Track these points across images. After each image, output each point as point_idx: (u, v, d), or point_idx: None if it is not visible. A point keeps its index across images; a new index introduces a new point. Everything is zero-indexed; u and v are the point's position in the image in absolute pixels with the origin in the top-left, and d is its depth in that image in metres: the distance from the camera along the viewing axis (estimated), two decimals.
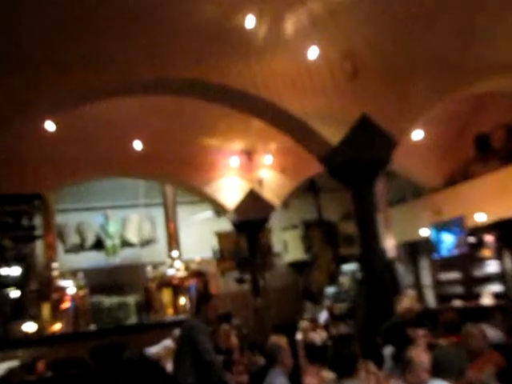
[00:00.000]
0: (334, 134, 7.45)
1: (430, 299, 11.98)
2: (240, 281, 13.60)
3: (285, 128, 7.91)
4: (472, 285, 10.82)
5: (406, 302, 6.73)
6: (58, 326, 11.85)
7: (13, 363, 7.55)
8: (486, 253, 10.68)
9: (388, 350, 5.32)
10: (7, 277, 7.53)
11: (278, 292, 14.76)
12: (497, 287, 10.19)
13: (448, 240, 11.13)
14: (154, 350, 9.37)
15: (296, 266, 15.31)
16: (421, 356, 3.43)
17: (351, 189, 7.79)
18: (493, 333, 5.98)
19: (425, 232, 11.85)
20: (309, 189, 14.80)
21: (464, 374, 2.97)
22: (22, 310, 8.82)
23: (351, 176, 7.65)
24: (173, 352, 8.90)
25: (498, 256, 10.21)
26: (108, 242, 13.61)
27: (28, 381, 7.56)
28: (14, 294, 9.31)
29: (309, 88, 7.30)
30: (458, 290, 11.24)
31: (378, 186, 11.53)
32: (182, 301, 12.78)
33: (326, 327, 9.85)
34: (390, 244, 11.47)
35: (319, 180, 13.84)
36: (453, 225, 10.95)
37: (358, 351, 4.23)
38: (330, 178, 8.20)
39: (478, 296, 10.32)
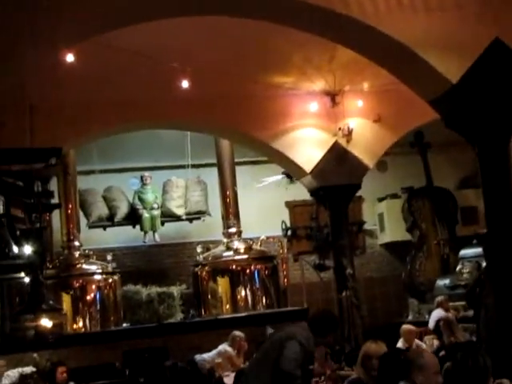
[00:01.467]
0: (452, 69, 7.29)
1: None
2: (320, 268, 13.64)
3: (383, 60, 7.80)
4: None
5: None
6: (81, 323, 12.34)
7: (25, 369, 7.92)
8: None
9: None
10: (16, 258, 7.86)
11: (371, 284, 14.76)
12: None
13: None
14: (206, 357, 9.62)
15: (396, 249, 15.22)
16: None
17: (475, 144, 7.64)
18: None
19: None
20: (414, 145, 14.61)
21: None
22: (35, 301, 9.19)
23: (475, 126, 7.49)
24: (230, 359, 9.18)
25: None
26: (145, 215, 13.88)
27: None
28: (26, 280, 9.70)
29: (420, 5, 7.13)
30: None
31: None
32: (243, 293, 13.00)
33: (436, 333, 9.79)
34: None
35: (429, 133, 13.65)
36: None
37: (487, 365, 4.18)
38: (444, 130, 8.06)
39: None
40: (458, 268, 12.91)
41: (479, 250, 11.65)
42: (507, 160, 7.73)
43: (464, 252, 13.02)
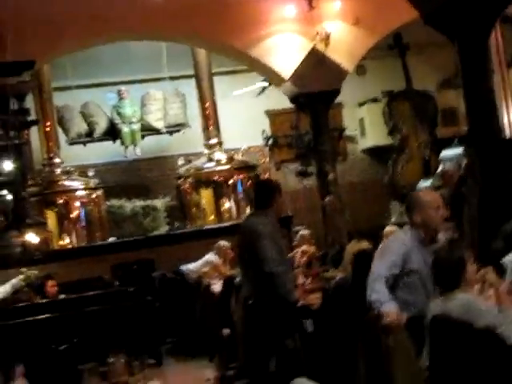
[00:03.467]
0: None
1: None
2: (303, 174, 13.69)
3: None
4: None
5: None
6: (67, 240, 12.39)
7: (14, 282, 7.98)
8: None
9: (510, 257, 5.32)
10: None
11: (353, 188, 14.85)
12: None
13: None
14: (192, 267, 9.73)
15: (377, 154, 15.25)
16: None
17: (455, 43, 7.53)
18: None
19: None
20: (393, 46, 14.43)
21: None
22: (19, 217, 9.18)
23: (455, 23, 7.37)
24: (217, 268, 9.30)
25: None
26: (124, 129, 13.77)
27: (39, 304, 8.00)
28: (8, 198, 9.66)
29: None
30: None
31: (493, 37, 11.18)
32: (227, 204, 13.05)
33: None
34: (510, 118, 11.21)
35: (408, 34, 13.44)
36: None
37: (466, 257, 4.24)
38: (423, 29, 7.94)
39: None
40: (439, 169, 12.98)
41: (460, 150, 11.72)
42: (487, 58, 7.66)
43: (445, 153, 13.05)
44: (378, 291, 4.40)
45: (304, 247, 9.08)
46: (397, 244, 4.67)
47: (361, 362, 4.24)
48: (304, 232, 10.08)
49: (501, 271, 5.25)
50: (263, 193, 5.68)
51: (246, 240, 5.53)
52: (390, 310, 4.28)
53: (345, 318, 4.59)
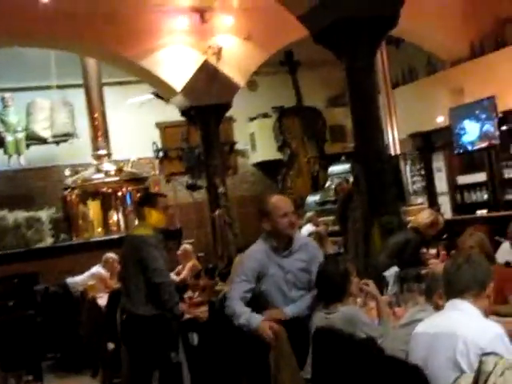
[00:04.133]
0: None
1: (446, 209, 12.30)
2: (192, 188, 13.65)
3: None
4: (502, 190, 11.12)
5: (426, 215, 6.86)
6: None
7: None
8: None
9: (392, 271, 5.48)
10: None
11: (243, 202, 14.93)
12: None
13: (472, 130, 11.27)
14: (78, 280, 9.51)
15: (267, 168, 15.40)
16: None
17: (343, 60, 7.73)
18: None
19: (441, 119, 11.97)
20: (284, 63, 14.67)
21: (485, 288, 3.11)
22: None
23: (344, 41, 7.56)
24: (104, 281, 9.13)
25: None
26: (8, 138, 13.35)
27: None
28: None
29: None
30: (483, 196, 11.56)
31: (379, 57, 11.55)
32: (115, 216, 12.84)
33: None
34: (394, 136, 11.58)
35: (298, 51, 13.70)
36: (479, 109, 11.06)
37: (349, 270, 4.34)
38: (313, 47, 8.10)
39: (509, 204, 10.64)
40: (327, 184, 13.27)
41: (347, 166, 12.02)
42: (372, 77, 7.90)
43: (333, 168, 13.38)
44: (239, 313, 4.40)
45: (191, 263, 9.10)
46: (248, 261, 4.63)
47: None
48: (187, 246, 10.06)
49: (383, 284, 5.41)
50: (140, 203, 5.74)
51: (132, 251, 5.44)
52: (257, 323, 4.30)
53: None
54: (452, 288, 3.17)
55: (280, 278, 4.52)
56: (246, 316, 4.36)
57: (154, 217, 5.40)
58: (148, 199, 5.63)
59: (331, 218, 11.49)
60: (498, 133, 10.82)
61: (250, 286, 4.55)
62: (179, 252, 9.84)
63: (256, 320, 4.32)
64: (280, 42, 11.96)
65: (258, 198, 15.28)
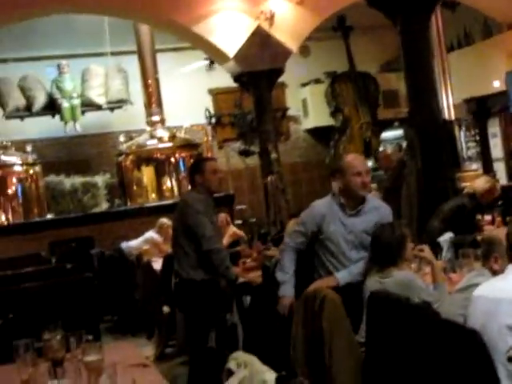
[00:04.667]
0: None
1: (502, 175, 12.10)
2: (245, 153, 13.66)
3: None
4: None
5: (483, 182, 6.76)
6: (3, 217, 12.14)
7: None
8: None
9: (447, 237, 5.44)
10: None
11: (295, 168, 14.94)
12: None
13: None
14: (132, 244, 9.65)
15: (320, 134, 15.34)
16: (504, 237, 3.52)
17: (397, 25, 7.63)
18: None
19: (497, 84, 11.75)
20: (336, 28, 14.51)
21: None
22: None
23: (397, 6, 7.47)
24: (157, 246, 9.25)
25: None
26: (64, 104, 13.51)
27: None
28: None
29: None
30: None
31: (434, 21, 11.34)
32: (168, 182, 12.96)
33: None
34: (449, 101, 11.41)
35: (351, 15, 13.53)
36: None
37: (405, 234, 4.31)
38: (366, 12, 8.00)
39: None
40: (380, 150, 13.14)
41: (400, 132, 11.90)
42: (427, 41, 7.79)
43: (385, 134, 13.25)
44: (282, 267, 4.60)
45: (231, 230, 9.09)
46: (310, 213, 4.68)
47: (298, 338, 4.27)
48: (222, 214, 9.72)
49: (437, 249, 5.38)
50: (190, 171, 5.73)
51: (180, 217, 5.47)
52: (283, 295, 4.52)
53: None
54: None
55: (340, 236, 4.52)
56: (283, 276, 4.55)
57: (204, 182, 5.40)
58: (196, 166, 5.63)
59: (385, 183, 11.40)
60: None
61: (304, 238, 4.61)
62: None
63: (284, 288, 4.52)
64: (332, 6, 11.80)
65: (312, 164, 15.33)
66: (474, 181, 6.96)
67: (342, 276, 4.47)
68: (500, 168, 12.33)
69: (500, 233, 4.13)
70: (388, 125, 13.52)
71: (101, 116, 14.21)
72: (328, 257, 4.57)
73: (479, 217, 6.92)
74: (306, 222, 4.66)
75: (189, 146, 13.18)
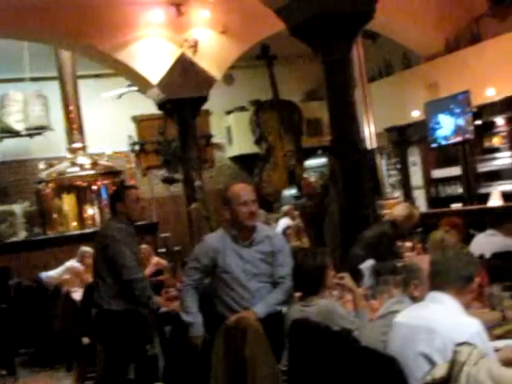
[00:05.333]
0: None
1: (421, 202, 12.38)
2: (169, 181, 13.62)
3: None
4: (476, 183, 11.23)
5: (403, 209, 6.92)
6: None
7: None
8: (496, 141, 11.02)
9: (368, 264, 5.52)
10: None
11: (220, 196, 14.92)
12: (508, 185, 10.61)
13: (446, 124, 11.35)
14: (52, 274, 9.45)
15: (244, 162, 15.42)
16: (424, 263, 3.59)
17: (319, 54, 7.75)
18: (501, 240, 6.26)
19: (416, 114, 12.04)
20: (260, 57, 14.65)
21: (469, 283, 3.11)
22: None
23: (320, 35, 7.58)
24: (79, 275, 9.07)
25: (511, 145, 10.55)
26: None
27: None
28: None
29: None
30: (457, 190, 11.66)
31: (356, 51, 11.59)
32: (90, 210, 12.77)
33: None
34: (369, 130, 11.63)
35: (275, 45, 13.69)
36: (453, 103, 11.15)
37: (326, 263, 4.36)
38: (290, 41, 8.11)
39: (483, 197, 10.74)
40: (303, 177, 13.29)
41: (324, 160, 12.06)
42: (349, 71, 7.93)
43: (309, 162, 13.41)
44: (185, 308, 4.60)
45: (155, 260, 9.07)
46: (203, 248, 4.65)
47: (219, 369, 4.25)
48: (143, 246, 9.68)
49: (359, 276, 5.45)
50: (111, 199, 5.67)
51: (100, 246, 5.38)
52: (192, 335, 4.54)
53: (208, 324, 4.59)
54: (437, 280, 3.17)
55: (237, 267, 4.48)
56: (189, 316, 4.56)
57: (125, 210, 5.34)
58: (117, 194, 5.57)
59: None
60: (471, 127, 10.91)
61: (200, 274, 4.59)
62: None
63: (191, 331, 4.54)
64: (256, 35, 11.95)
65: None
66: (393, 208, 7.11)
67: (259, 309, 4.42)
68: (420, 195, 12.62)
69: (420, 259, 4.22)
70: (311, 153, 13.70)
71: (20, 142, 13.94)
72: (226, 291, 4.52)
73: (400, 243, 7.07)
74: (199, 257, 4.61)
75: (111, 173, 13.03)
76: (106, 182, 12.79)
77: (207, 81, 11.71)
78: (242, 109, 15.37)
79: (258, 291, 4.49)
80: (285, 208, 11.67)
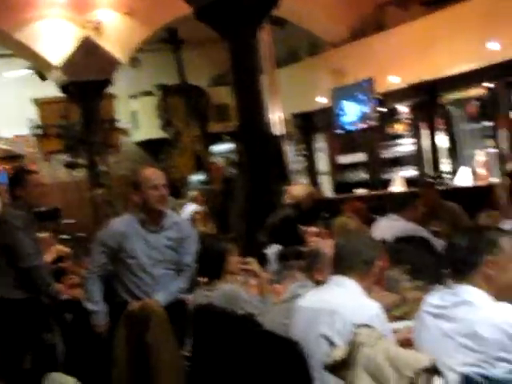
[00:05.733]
0: None
1: (327, 188, 12.58)
2: (72, 166, 13.35)
3: None
4: (379, 169, 11.49)
5: (301, 189, 6.99)
6: None
7: None
8: (399, 128, 11.30)
9: (273, 249, 5.56)
10: None
11: (125, 181, 14.72)
12: (410, 171, 10.91)
13: (351, 111, 11.55)
14: None
15: (150, 147, 15.25)
16: (327, 248, 3.63)
17: (226, 40, 7.75)
18: (403, 225, 6.41)
19: (322, 100, 12.19)
20: (168, 41, 14.52)
21: (371, 267, 3.17)
22: None
23: (226, 21, 7.58)
24: None
25: (414, 132, 10.83)
26: None
27: None
28: None
29: None
30: (362, 175, 11.91)
31: (262, 37, 11.62)
32: None
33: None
34: (276, 116, 11.70)
35: (182, 29, 13.59)
36: (358, 90, 11.34)
37: (228, 248, 4.38)
38: (198, 25, 8.07)
39: (386, 183, 11.00)
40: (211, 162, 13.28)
41: (231, 145, 12.10)
42: (256, 57, 7.96)
43: (216, 148, 13.42)
44: (89, 297, 4.51)
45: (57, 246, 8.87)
46: (109, 232, 4.57)
47: (121, 356, 4.20)
48: (42, 235, 9.49)
49: (265, 262, 5.49)
50: (10, 184, 5.45)
51: None
52: (96, 324, 4.46)
53: (110, 309, 4.52)
54: (339, 264, 3.22)
55: (142, 253, 4.43)
56: (92, 304, 4.49)
57: (25, 195, 5.18)
58: (16, 178, 5.38)
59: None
60: (376, 114, 11.14)
61: (107, 259, 4.50)
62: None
63: (96, 316, 4.46)
64: (163, 18, 11.85)
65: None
66: (292, 191, 7.14)
67: (162, 297, 4.36)
68: (326, 181, 12.82)
69: (324, 244, 4.27)
70: (219, 138, 13.71)
71: None
72: (130, 277, 4.45)
73: (305, 228, 7.15)
74: (105, 241, 4.51)
75: (11, 157, 12.72)
76: (5, 166, 12.43)
77: (111, 63, 11.54)
78: (149, 93, 15.20)
79: (162, 278, 4.44)
80: (192, 193, 11.62)
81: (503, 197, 6.92)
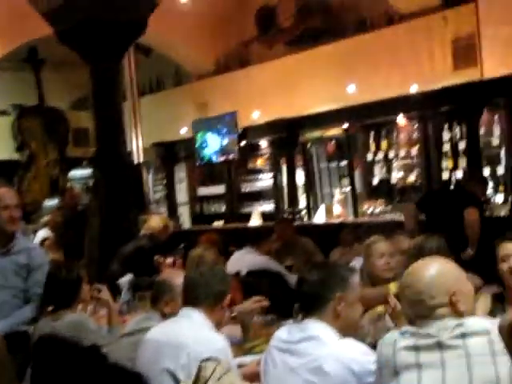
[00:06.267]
0: None
1: (186, 219, 12.57)
2: None
3: None
4: (238, 202, 11.62)
5: (158, 220, 6.95)
6: None
7: None
8: (260, 162, 11.51)
9: (126, 279, 5.47)
10: None
11: None
12: (269, 206, 11.10)
13: (213, 143, 11.64)
14: None
15: (3, 169, 14.68)
16: (178, 280, 3.59)
17: (89, 64, 7.64)
18: (257, 259, 6.51)
19: (185, 131, 12.22)
20: (26, 60, 14.13)
21: (221, 300, 3.17)
22: None
23: (89, 43, 7.47)
24: None
25: (274, 168, 11.05)
26: None
27: None
28: None
29: None
30: (221, 208, 12.00)
31: (126, 64, 11.58)
32: None
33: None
34: (137, 144, 11.64)
35: (44, 48, 13.27)
36: (221, 123, 11.46)
37: (80, 275, 4.25)
38: (60, 47, 7.91)
39: (244, 216, 11.13)
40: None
41: (89, 171, 11.84)
42: (118, 82, 7.89)
43: (73, 173, 13.12)
44: None
45: None
46: None
47: None
48: None
49: (118, 292, 5.38)
50: None
51: None
52: None
53: None
54: (189, 296, 3.20)
55: None
56: None
57: None
58: None
59: None
60: (237, 147, 11.29)
61: None
62: None
63: None
64: (22, 36, 11.53)
65: None
66: (148, 221, 7.11)
67: (1, 325, 4.15)
68: (185, 211, 12.81)
69: (174, 275, 4.22)
70: (77, 163, 13.42)
71: None
72: None
73: (160, 259, 7.09)
74: None
75: None
76: None
77: None
78: (4, 113, 14.66)
79: (4, 305, 4.24)
80: (45, 219, 11.27)
81: (410, 222, 7.17)
